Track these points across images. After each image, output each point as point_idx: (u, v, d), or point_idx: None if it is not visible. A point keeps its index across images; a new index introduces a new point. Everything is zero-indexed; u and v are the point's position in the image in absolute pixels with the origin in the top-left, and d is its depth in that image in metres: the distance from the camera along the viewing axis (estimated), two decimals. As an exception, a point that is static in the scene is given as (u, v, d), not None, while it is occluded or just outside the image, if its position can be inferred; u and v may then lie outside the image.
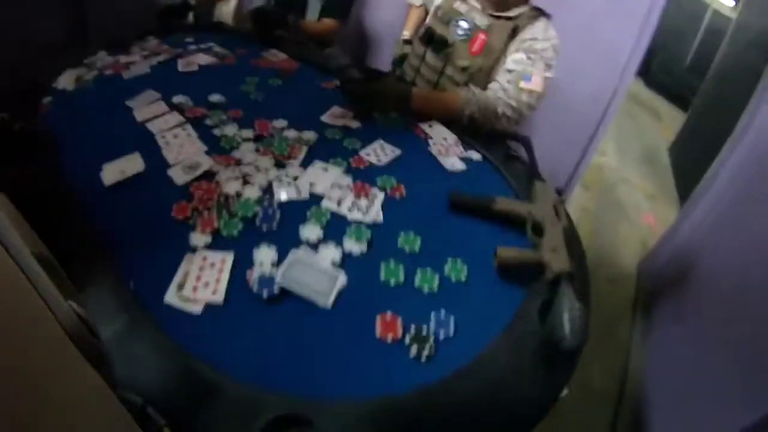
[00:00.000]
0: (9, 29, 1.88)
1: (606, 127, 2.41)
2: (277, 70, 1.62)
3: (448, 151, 1.35)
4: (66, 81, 1.52)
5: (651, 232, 2.88)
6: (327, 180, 1.16)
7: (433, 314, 0.91)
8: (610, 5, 2.17)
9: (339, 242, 1.02)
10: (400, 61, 1.84)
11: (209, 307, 0.87)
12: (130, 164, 1.17)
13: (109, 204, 1.08)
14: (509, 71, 1.49)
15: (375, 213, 1.09)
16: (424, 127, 1.43)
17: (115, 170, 1.15)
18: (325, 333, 0.86)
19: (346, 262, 0.99)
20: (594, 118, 2.40)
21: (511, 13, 1.55)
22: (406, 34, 1.95)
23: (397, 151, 1.30)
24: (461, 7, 1.60)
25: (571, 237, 1.13)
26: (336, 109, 1.43)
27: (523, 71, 1.47)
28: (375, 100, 1.41)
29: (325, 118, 1.39)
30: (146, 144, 1.24)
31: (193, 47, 1.73)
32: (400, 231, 1.07)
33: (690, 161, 3.64)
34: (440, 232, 1.10)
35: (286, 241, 1.01)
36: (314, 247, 1.01)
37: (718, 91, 4.31)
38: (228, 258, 0.95)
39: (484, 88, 1.52)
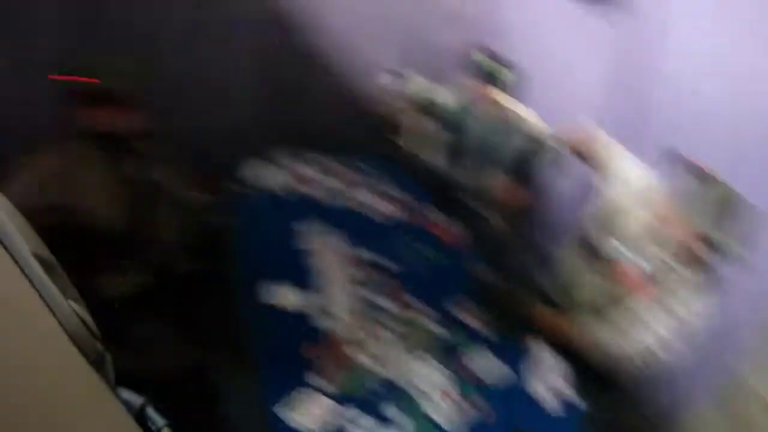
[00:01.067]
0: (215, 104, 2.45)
1: None
2: (442, 241, 1.91)
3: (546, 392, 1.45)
4: (263, 179, 2.02)
5: None
6: (428, 375, 1.39)
7: None
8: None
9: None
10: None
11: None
12: (291, 295, 1.55)
13: (267, 322, 1.45)
14: None
15: (448, 420, 1.29)
16: (539, 351, 1.54)
17: (281, 295, 1.54)
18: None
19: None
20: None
21: None
22: None
23: (501, 366, 1.46)
24: None
25: None
26: (471, 305, 1.64)
27: None
28: (509, 317, 1.55)
29: (458, 311, 1.61)
30: (308, 277, 1.62)
31: (381, 187, 2.12)
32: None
33: None
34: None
35: (374, 413, 1.27)
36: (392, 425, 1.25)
37: None
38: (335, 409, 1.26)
39: None
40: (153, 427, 0.60)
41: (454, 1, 2.81)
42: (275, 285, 1.57)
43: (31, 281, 0.43)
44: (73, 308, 0.48)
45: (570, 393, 1.46)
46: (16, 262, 0.42)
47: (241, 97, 2.64)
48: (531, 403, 1.41)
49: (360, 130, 2.56)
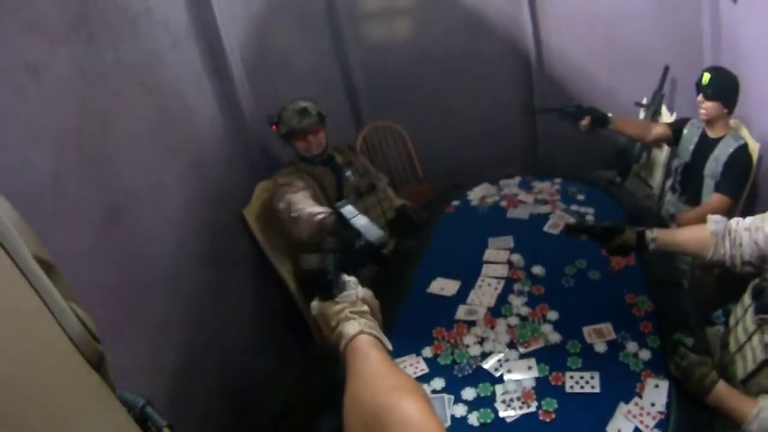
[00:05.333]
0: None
1: None
2: (611, 267, 1.90)
3: (640, 418, 1.36)
4: (475, 194, 2.42)
5: None
6: (520, 375, 1.54)
7: None
8: None
9: (472, 411, 1.45)
10: None
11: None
12: (449, 286, 1.92)
13: (420, 300, 1.90)
14: None
15: (511, 417, 1.43)
16: (649, 384, 1.44)
17: (439, 285, 1.94)
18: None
19: (460, 423, 1.43)
20: None
21: None
22: None
23: (596, 390, 1.46)
24: None
25: None
26: (606, 327, 1.65)
27: None
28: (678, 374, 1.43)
29: (587, 330, 1.65)
30: (471, 277, 1.94)
31: (574, 207, 2.23)
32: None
33: None
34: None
35: (455, 386, 1.53)
36: (462, 401, 1.49)
37: None
38: (423, 368, 1.62)
39: None
40: (153, 428, 0.61)
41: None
42: (441, 277, 1.97)
43: (31, 283, 0.43)
44: (74, 310, 0.48)
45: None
46: (16, 263, 0.42)
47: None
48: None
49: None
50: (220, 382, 2.02)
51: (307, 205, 2.03)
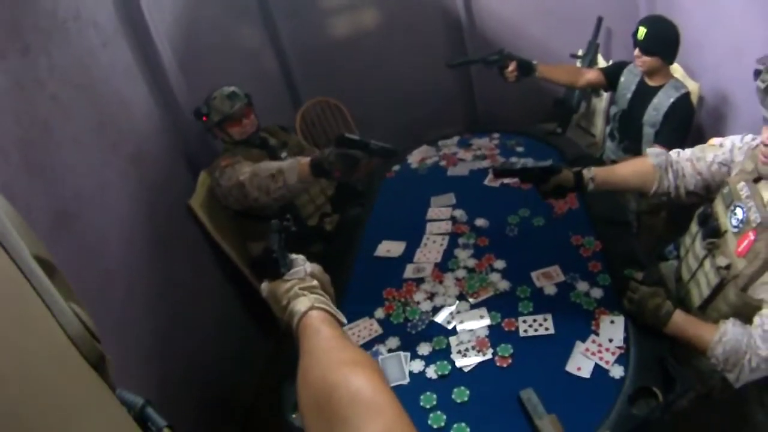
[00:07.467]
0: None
1: None
2: (552, 207, 1.89)
3: (600, 354, 1.36)
4: (415, 157, 2.36)
5: None
6: (473, 325, 1.51)
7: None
8: None
9: (429, 365, 1.42)
10: None
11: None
12: (395, 248, 1.87)
13: (368, 265, 1.84)
14: None
15: (468, 366, 1.40)
16: (604, 320, 1.44)
17: (385, 248, 1.88)
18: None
19: (419, 377, 1.41)
20: None
21: None
22: None
23: (551, 331, 1.45)
24: (744, 190, 1.32)
25: None
26: (554, 269, 1.63)
27: None
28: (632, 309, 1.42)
29: (535, 275, 1.63)
30: (416, 237, 1.89)
31: (513, 159, 2.17)
32: (454, 387, 1.34)
33: None
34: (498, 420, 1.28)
35: (410, 343, 1.50)
36: (419, 357, 1.45)
37: None
38: (377, 329, 1.58)
39: (738, 300, 1.27)
40: (153, 428, 0.61)
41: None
42: (386, 240, 1.91)
43: (31, 283, 0.43)
44: (74, 310, 0.48)
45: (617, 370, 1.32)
46: (16, 263, 0.42)
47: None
48: (563, 373, 1.35)
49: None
50: (189, 373, 1.98)
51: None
